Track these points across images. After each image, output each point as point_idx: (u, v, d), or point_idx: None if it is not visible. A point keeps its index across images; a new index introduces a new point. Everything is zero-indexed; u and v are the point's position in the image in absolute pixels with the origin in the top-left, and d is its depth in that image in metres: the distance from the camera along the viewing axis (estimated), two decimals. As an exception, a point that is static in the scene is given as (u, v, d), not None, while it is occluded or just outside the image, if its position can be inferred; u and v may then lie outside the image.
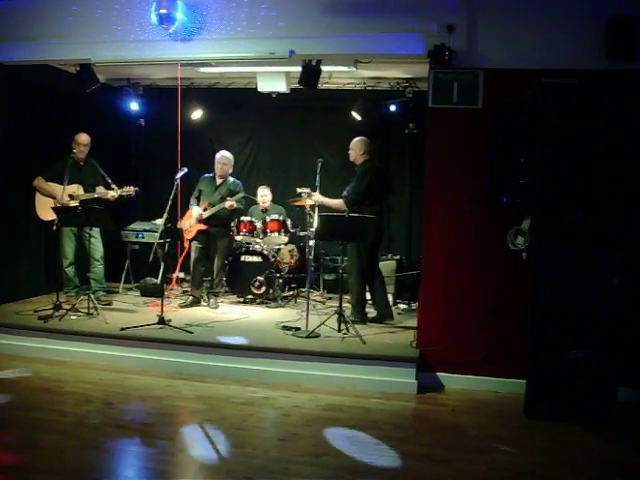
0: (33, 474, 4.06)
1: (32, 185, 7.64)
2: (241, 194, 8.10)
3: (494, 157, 5.74)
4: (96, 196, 7.71)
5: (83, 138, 7.80)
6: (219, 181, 8.21)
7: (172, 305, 8.04)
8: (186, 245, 8.19)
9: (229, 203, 7.86)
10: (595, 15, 5.72)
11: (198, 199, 8.18)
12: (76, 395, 5.52)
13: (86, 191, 7.71)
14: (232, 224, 8.48)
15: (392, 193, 8.09)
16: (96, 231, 7.76)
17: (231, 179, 8.28)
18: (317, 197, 7.53)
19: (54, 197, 7.52)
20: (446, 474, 4.29)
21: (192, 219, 8.06)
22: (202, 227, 8.02)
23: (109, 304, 7.87)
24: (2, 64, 7.25)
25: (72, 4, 6.89)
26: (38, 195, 7.66)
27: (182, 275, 9.21)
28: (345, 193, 7.37)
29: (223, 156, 8.26)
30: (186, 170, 7.67)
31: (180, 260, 8.07)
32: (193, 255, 8.19)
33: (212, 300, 8.15)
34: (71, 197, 7.56)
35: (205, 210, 7.98)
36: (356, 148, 7.50)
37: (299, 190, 7.82)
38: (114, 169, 8.11)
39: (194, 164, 8.15)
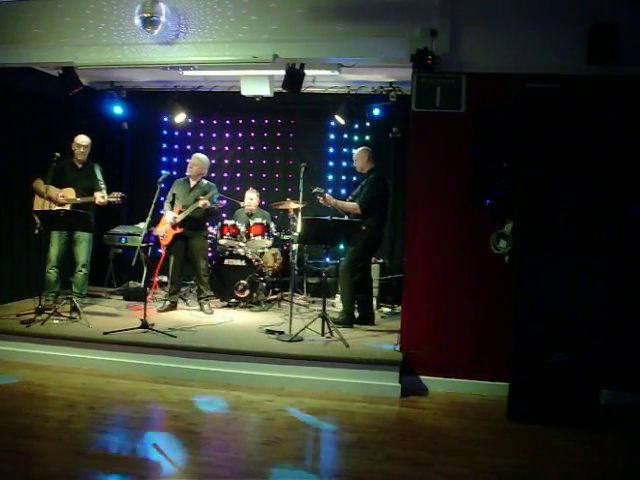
0: (15, 480, 4.04)
1: (31, 187, 7.49)
2: (213, 191, 8.01)
3: (477, 161, 5.77)
4: (85, 200, 7.48)
5: (82, 140, 7.61)
6: (192, 183, 8.12)
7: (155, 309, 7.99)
8: (163, 252, 8.07)
9: (202, 202, 7.73)
10: (577, 21, 5.78)
11: (172, 204, 7.98)
12: (59, 400, 5.48)
13: (80, 194, 7.50)
14: (207, 224, 8.40)
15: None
16: (85, 237, 7.60)
17: (205, 181, 8.21)
18: (329, 199, 7.55)
19: (53, 200, 7.34)
20: (429, 477, 4.30)
21: (167, 224, 7.96)
22: (177, 231, 7.91)
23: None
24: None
25: (55, 7, 6.86)
26: (37, 197, 7.46)
27: (165, 279, 9.12)
28: (351, 198, 7.44)
29: (195, 157, 8.20)
30: (168, 173, 7.63)
31: (158, 267, 7.96)
32: (172, 261, 8.11)
33: (206, 306, 8.09)
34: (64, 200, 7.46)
35: (180, 213, 7.87)
36: (360, 158, 7.57)
37: (314, 190, 7.73)
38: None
39: (177, 167, 8.10)
